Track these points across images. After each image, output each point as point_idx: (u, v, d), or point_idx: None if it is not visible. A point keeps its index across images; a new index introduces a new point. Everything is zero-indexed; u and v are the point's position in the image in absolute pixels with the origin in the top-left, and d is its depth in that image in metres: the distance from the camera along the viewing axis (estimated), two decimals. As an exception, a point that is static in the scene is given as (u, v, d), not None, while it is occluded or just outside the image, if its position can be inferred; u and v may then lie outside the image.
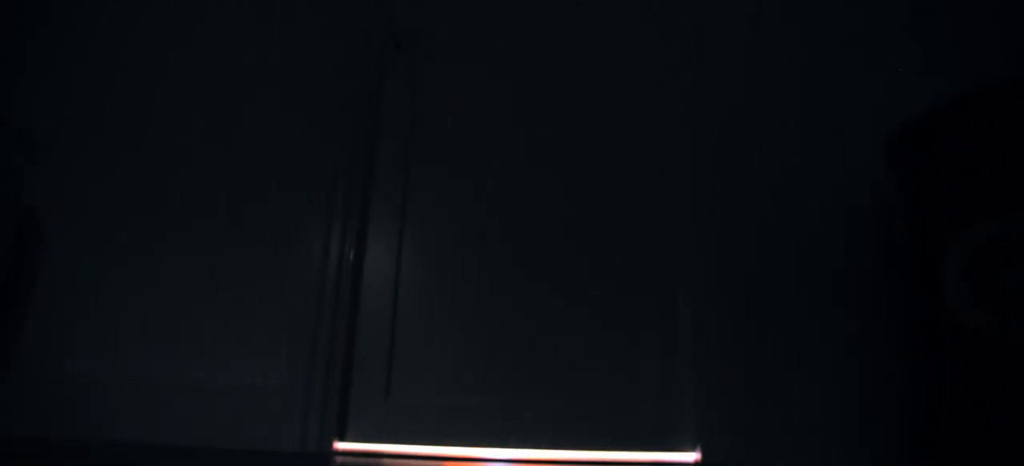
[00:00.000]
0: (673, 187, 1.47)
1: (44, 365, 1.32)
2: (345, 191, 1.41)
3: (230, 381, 1.30)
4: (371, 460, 1.20)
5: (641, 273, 1.41)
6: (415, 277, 1.42)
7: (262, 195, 1.43)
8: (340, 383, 1.29)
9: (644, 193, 1.46)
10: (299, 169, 1.44)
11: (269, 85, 1.51)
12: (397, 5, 1.60)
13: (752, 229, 1.36)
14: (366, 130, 1.48)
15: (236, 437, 1.26)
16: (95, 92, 1.52)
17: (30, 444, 1.17)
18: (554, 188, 1.47)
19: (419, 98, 1.54)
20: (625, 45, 1.57)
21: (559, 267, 1.41)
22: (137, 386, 1.29)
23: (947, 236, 0.99)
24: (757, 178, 1.40)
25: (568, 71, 1.55)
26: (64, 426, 1.27)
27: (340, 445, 1.29)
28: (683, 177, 1.47)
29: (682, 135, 1.50)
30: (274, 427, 1.26)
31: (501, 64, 1.56)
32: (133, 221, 1.42)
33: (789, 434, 1.24)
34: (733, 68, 1.48)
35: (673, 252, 1.42)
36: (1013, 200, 0.91)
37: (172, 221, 1.42)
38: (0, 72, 1.54)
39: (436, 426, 1.31)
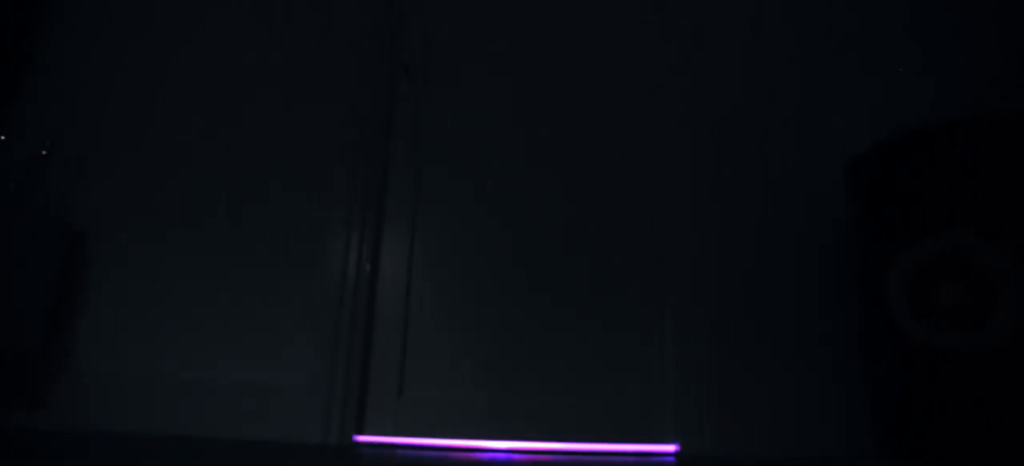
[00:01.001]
0: (662, 201, 1.61)
1: (94, 367, 1.48)
2: (362, 206, 1.56)
3: (260, 380, 1.45)
4: (386, 451, 1.35)
5: (630, 281, 1.55)
6: (424, 284, 1.57)
7: (289, 213, 1.57)
8: (358, 382, 1.45)
9: (635, 204, 1.60)
10: (321, 189, 1.59)
11: (291, 109, 1.65)
12: (406, 35, 1.73)
13: (728, 242, 1.50)
14: (380, 147, 1.62)
15: (266, 430, 1.41)
16: (134, 113, 1.67)
17: (84, 438, 1.33)
18: (552, 199, 1.61)
19: (426, 118, 1.68)
20: (613, 64, 1.70)
21: (557, 271, 1.55)
22: (177, 385, 1.45)
23: (890, 254, 1.12)
24: (736, 194, 1.54)
25: (565, 85, 1.69)
26: (112, 421, 1.43)
27: (359, 438, 1.45)
28: (671, 191, 1.61)
29: (669, 151, 1.63)
30: (300, 422, 1.41)
31: (502, 79, 1.70)
32: (172, 236, 1.57)
33: (761, 427, 1.38)
34: (726, 85, 1.61)
35: (659, 261, 1.57)
36: (941, 224, 1.05)
37: (207, 236, 1.57)
38: (42, 95, 1.69)
39: (444, 420, 1.46)
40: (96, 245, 1.56)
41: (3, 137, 1.51)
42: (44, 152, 1.53)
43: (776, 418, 1.39)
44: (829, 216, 1.51)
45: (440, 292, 1.56)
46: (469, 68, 1.72)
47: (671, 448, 1.42)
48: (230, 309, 1.51)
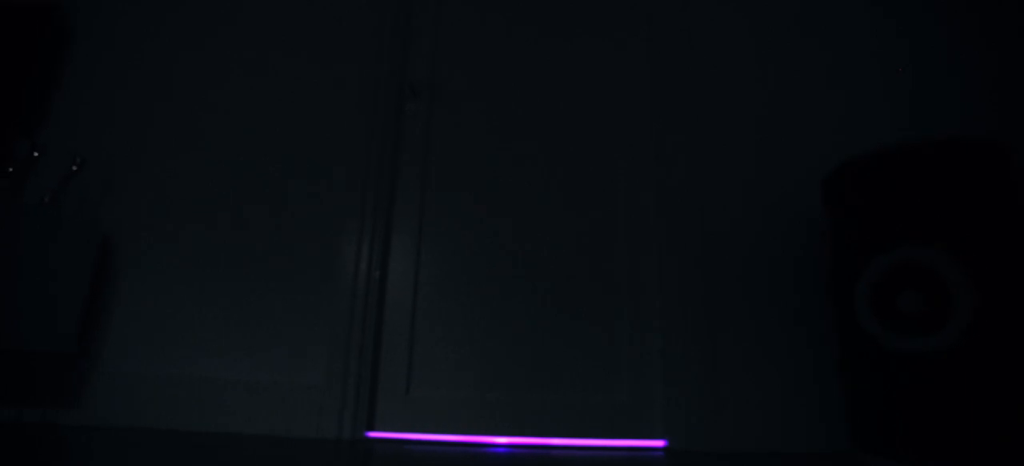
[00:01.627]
0: (653, 210, 1.71)
1: (124, 366, 1.59)
2: (372, 217, 1.66)
3: (278, 379, 1.56)
4: (395, 446, 1.45)
5: (622, 285, 1.66)
6: (430, 290, 1.67)
7: (305, 224, 1.68)
8: (369, 381, 1.55)
9: (627, 213, 1.71)
10: (335, 202, 1.70)
11: (305, 125, 1.76)
12: (413, 59, 1.84)
13: (713, 249, 1.60)
14: (389, 162, 1.73)
15: (284, 426, 1.52)
16: (157, 128, 1.78)
17: (118, 434, 1.44)
18: (549, 208, 1.71)
19: (432, 134, 1.79)
20: (601, 82, 1.81)
21: (553, 277, 1.66)
22: (200, 383, 1.56)
23: (856, 264, 1.22)
24: (721, 203, 1.64)
25: (557, 102, 1.79)
26: (141, 417, 1.54)
27: (370, 434, 1.56)
28: (662, 200, 1.71)
29: (659, 161, 1.74)
30: (316, 419, 1.52)
31: (501, 98, 1.80)
32: (195, 243, 1.68)
33: (745, 423, 1.48)
34: (714, 96, 1.72)
35: (648, 267, 1.67)
36: (901, 238, 1.15)
37: (228, 244, 1.68)
38: (66, 113, 1.80)
39: (448, 417, 1.56)
40: (124, 251, 1.68)
41: (36, 154, 1.63)
42: (74, 167, 1.64)
43: (760, 414, 1.49)
44: (809, 223, 1.60)
45: (444, 297, 1.67)
46: (471, 88, 1.83)
47: (660, 443, 1.52)
48: (250, 313, 1.62)
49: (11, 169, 1.56)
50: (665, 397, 1.52)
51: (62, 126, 1.78)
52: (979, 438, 1.03)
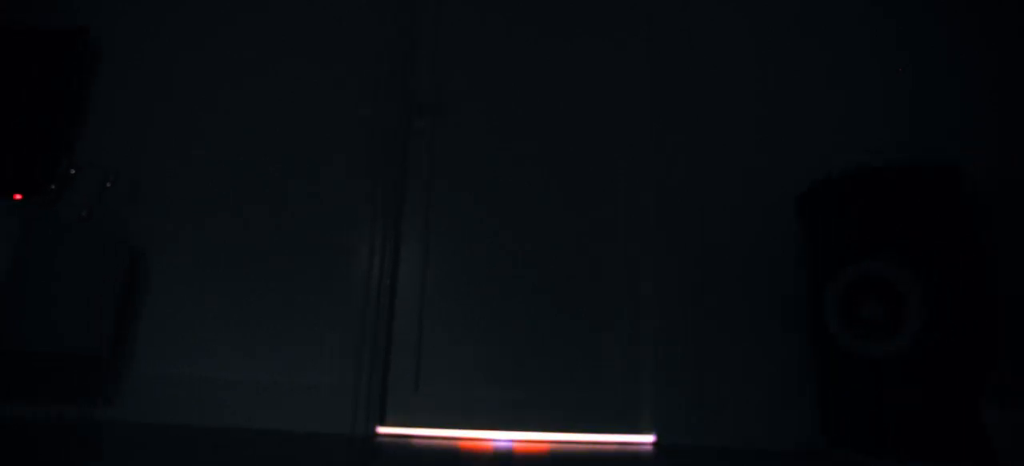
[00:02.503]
0: (645, 221, 1.83)
1: (154, 368, 1.72)
2: (382, 229, 1.79)
3: (297, 380, 1.69)
4: (404, 441, 1.58)
5: (615, 291, 1.78)
6: (436, 296, 1.80)
7: (319, 237, 1.81)
8: (380, 382, 1.68)
9: (620, 223, 1.83)
10: (347, 216, 1.82)
11: (320, 142, 1.89)
12: (418, 78, 1.97)
13: (699, 257, 1.72)
14: (398, 177, 1.85)
15: (302, 423, 1.65)
16: (183, 147, 1.91)
17: (150, 428, 1.57)
18: (547, 218, 1.84)
19: (437, 149, 1.92)
20: (600, 88, 1.93)
21: (551, 285, 1.78)
22: (226, 384, 1.69)
23: (826, 276, 1.34)
24: (709, 215, 1.76)
25: (556, 117, 1.91)
26: (171, 415, 1.67)
27: (381, 429, 1.68)
28: (655, 210, 1.83)
29: (649, 173, 1.86)
30: (331, 416, 1.65)
31: (502, 114, 1.92)
32: (218, 253, 1.80)
33: (729, 419, 1.60)
34: (690, 122, 1.84)
35: (638, 274, 1.79)
36: (863, 253, 1.27)
37: (249, 254, 1.80)
38: (95, 133, 1.93)
39: (453, 414, 1.69)
40: (151, 261, 1.80)
41: (73, 171, 1.75)
42: (108, 184, 1.77)
43: (743, 412, 1.61)
44: (790, 233, 1.72)
45: (449, 303, 1.79)
46: (473, 105, 1.95)
47: (649, 439, 1.64)
48: (269, 319, 1.75)
49: (53, 186, 1.69)
50: (655, 395, 1.65)
51: (93, 143, 1.91)
52: (929, 431, 1.15)
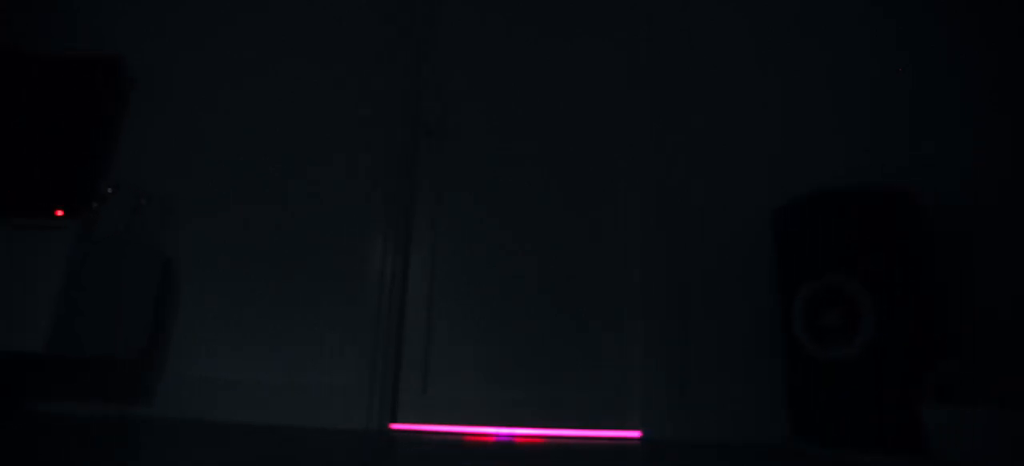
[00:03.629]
0: (635, 232, 1.99)
1: (187, 369, 1.88)
2: (394, 245, 1.95)
3: (319, 381, 1.85)
4: (414, 436, 1.74)
5: (607, 297, 1.93)
6: (442, 305, 1.96)
7: (338, 252, 1.97)
8: (392, 382, 1.84)
9: (612, 234, 1.99)
10: (363, 233, 1.98)
11: (338, 160, 2.05)
12: (425, 102, 2.13)
13: (684, 267, 1.88)
14: (407, 191, 2.01)
15: (323, 419, 1.81)
16: (210, 166, 2.07)
17: (182, 424, 1.73)
18: (545, 231, 1.99)
19: (443, 167, 2.08)
20: (597, 113, 2.09)
21: (547, 293, 1.94)
22: (254, 384, 1.85)
23: (794, 286, 1.50)
24: (695, 228, 1.92)
25: (554, 135, 2.07)
26: (204, 411, 1.84)
27: (393, 426, 1.85)
28: (643, 224, 1.99)
29: (639, 188, 2.01)
30: (348, 413, 1.81)
31: (504, 133, 2.08)
32: (246, 263, 1.97)
33: (710, 416, 1.76)
34: (670, 152, 1.99)
35: (629, 281, 1.95)
36: (825, 268, 1.42)
37: (273, 267, 1.97)
38: (132, 148, 2.09)
39: (458, 411, 1.85)
40: (182, 272, 1.97)
41: (110, 190, 1.92)
42: (143, 201, 1.93)
43: (721, 410, 1.76)
44: (768, 245, 1.87)
45: (454, 312, 1.95)
46: (477, 126, 2.11)
47: (637, 434, 1.80)
48: (294, 326, 1.91)
49: (95, 204, 1.86)
50: (642, 394, 1.80)
51: (127, 163, 2.08)
52: (877, 425, 1.31)
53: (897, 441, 1.28)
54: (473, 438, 1.69)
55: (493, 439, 1.67)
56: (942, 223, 1.74)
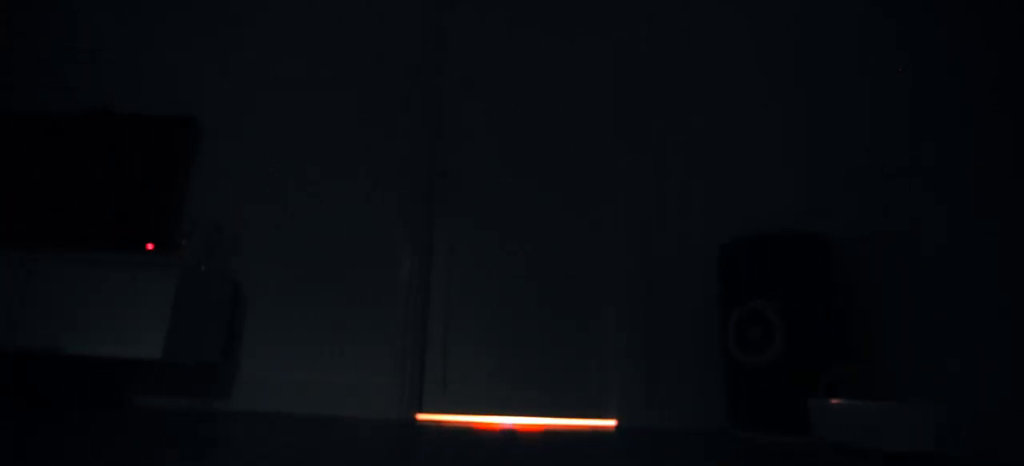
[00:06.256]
0: (619, 256, 2.43)
1: (254, 372, 2.36)
2: (418, 270, 2.41)
3: (358, 379, 2.32)
4: (436, 424, 2.20)
5: (591, 319, 2.38)
6: (458, 316, 2.42)
7: (372, 274, 2.43)
8: (418, 380, 2.31)
9: (600, 256, 2.43)
10: (390, 257, 2.44)
11: (371, 196, 2.51)
12: (441, 151, 2.58)
13: (652, 291, 2.32)
14: (427, 232, 2.47)
15: (361, 411, 2.28)
16: (266, 205, 2.54)
17: (253, 415, 2.20)
18: (543, 254, 2.44)
19: (457, 203, 2.53)
20: (577, 166, 2.53)
21: (543, 306, 2.39)
22: (305, 383, 2.32)
23: (729, 308, 1.94)
24: (659, 261, 2.36)
25: (551, 177, 2.52)
26: (268, 404, 2.31)
27: (419, 416, 2.31)
28: (629, 249, 2.43)
29: (616, 228, 2.46)
30: (382, 405, 2.27)
31: (506, 174, 2.53)
32: (298, 285, 2.44)
33: (670, 409, 2.21)
34: (646, 182, 2.43)
35: (608, 295, 2.39)
36: (752, 294, 1.86)
37: (318, 287, 2.43)
38: (204, 188, 2.56)
39: (472, 404, 2.31)
40: (248, 293, 2.44)
41: (191, 227, 2.39)
42: (216, 235, 2.40)
43: (681, 403, 2.21)
44: (715, 273, 2.31)
45: (468, 321, 2.41)
46: (484, 169, 2.56)
47: (613, 422, 2.25)
48: (337, 335, 2.38)
49: (183, 241, 2.33)
50: (619, 392, 2.25)
51: (201, 202, 2.55)
52: (784, 413, 1.75)
53: (795, 425, 1.72)
54: (484, 425, 2.14)
55: (498, 427, 2.13)
56: (848, 260, 2.16)
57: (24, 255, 2.10)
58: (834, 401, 1.53)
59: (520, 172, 2.55)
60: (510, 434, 1.84)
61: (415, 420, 2.26)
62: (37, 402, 2.24)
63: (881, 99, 2.16)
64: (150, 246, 2.41)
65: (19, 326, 2.03)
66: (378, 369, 2.33)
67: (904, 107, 2.02)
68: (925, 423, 1.29)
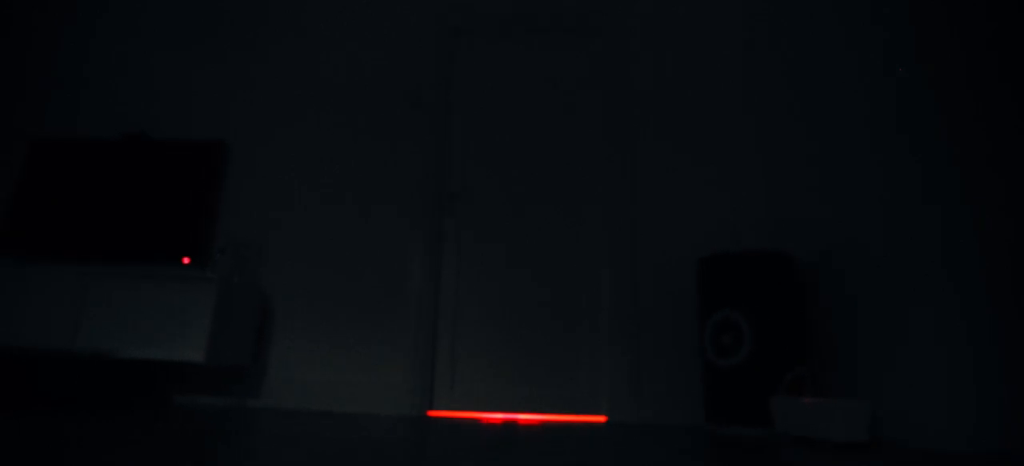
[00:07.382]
0: (607, 267, 2.69)
1: (281, 374, 2.61)
2: (430, 284, 2.66)
3: (375, 379, 2.57)
4: (446, 420, 2.45)
5: (585, 323, 2.64)
6: (465, 323, 2.67)
7: (387, 288, 2.69)
8: (429, 380, 2.56)
9: (592, 269, 2.68)
10: (405, 272, 2.69)
11: (388, 217, 2.76)
12: (449, 175, 2.83)
13: (641, 301, 2.57)
14: (437, 248, 2.72)
15: (378, 407, 2.53)
16: (293, 226, 2.79)
17: (280, 411, 2.46)
18: (541, 267, 2.69)
19: (463, 221, 2.78)
20: (573, 189, 2.78)
21: (543, 317, 2.64)
22: (328, 382, 2.58)
23: (706, 315, 2.19)
24: (646, 273, 2.61)
25: (550, 199, 2.77)
26: (294, 401, 2.56)
27: (430, 412, 2.56)
28: (614, 262, 2.68)
29: (608, 241, 2.71)
30: (397, 402, 2.53)
31: (506, 196, 2.78)
32: (318, 295, 2.69)
33: (655, 406, 2.46)
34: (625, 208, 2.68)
35: (599, 301, 2.64)
36: (725, 304, 2.11)
37: (339, 301, 2.69)
38: (231, 208, 2.81)
39: (477, 401, 2.56)
40: (275, 302, 2.69)
41: (224, 243, 2.64)
42: (244, 251, 2.65)
43: (664, 401, 2.46)
44: (693, 285, 2.56)
45: (474, 327, 2.66)
46: (487, 188, 2.81)
47: (604, 418, 2.50)
48: (356, 340, 2.63)
49: (218, 255, 2.59)
50: (609, 390, 2.51)
51: (229, 217, 2.80)
52: (752, 409, 2.00)
53: (763, 420, 1.97)
54: (488, 419, 2.40)
55: (501, 421, 2.38)
56: (812, 274, 2.41)
57: (79, 269, 2.35)
58: (785, 398, 1.78)
59: (518, 190, 2.80)
60: (510, 426, 2.09)
61: (427, 416, 2.52)
62: (88, 403, 2.51)
63: (841, 122, 2.41)
64: (186, 260, 2.67)
65: (76, 333, 2.29)
66: (392, 370, 2.59)
67: (864, 130, 2.26)
68: (857, 417, 1.54)
